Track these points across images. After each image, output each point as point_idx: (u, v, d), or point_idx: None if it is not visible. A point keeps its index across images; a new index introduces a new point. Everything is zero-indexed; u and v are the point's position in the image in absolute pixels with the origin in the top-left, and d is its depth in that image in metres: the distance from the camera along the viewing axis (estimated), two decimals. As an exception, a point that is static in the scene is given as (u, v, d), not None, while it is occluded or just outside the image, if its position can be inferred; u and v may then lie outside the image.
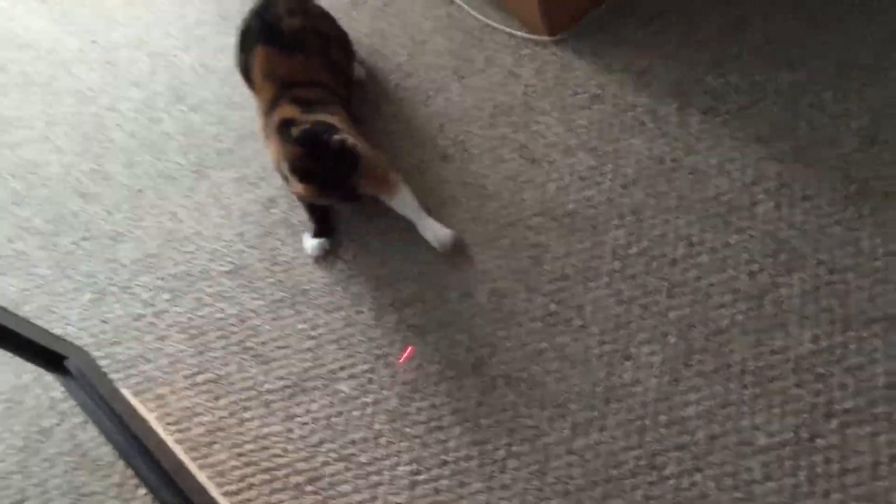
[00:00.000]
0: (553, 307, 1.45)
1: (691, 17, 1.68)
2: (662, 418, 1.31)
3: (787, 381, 1.29)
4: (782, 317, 1.34)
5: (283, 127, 1.49)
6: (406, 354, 1.47)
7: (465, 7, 1.84)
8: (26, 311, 1.68)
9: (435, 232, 1.54)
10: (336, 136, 1.43)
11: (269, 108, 1.56)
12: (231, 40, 1.69)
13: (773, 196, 1.45)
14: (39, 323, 1.56)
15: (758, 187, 1.46)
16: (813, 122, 1.50)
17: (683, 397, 1.32)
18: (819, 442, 1.24)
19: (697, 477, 1.26)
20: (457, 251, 1.54)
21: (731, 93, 1.57)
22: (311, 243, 1.61)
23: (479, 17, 1.82)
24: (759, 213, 1.44)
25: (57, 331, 1.62)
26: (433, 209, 1.60)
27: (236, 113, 1.85)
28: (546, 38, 1.74)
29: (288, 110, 1.52)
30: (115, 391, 1.45)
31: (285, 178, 1.52)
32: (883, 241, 1.35)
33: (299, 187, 1.46)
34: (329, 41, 1.68)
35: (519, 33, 1.77)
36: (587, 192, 1.55)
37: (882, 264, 1.34)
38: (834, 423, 1.25)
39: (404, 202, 1.56)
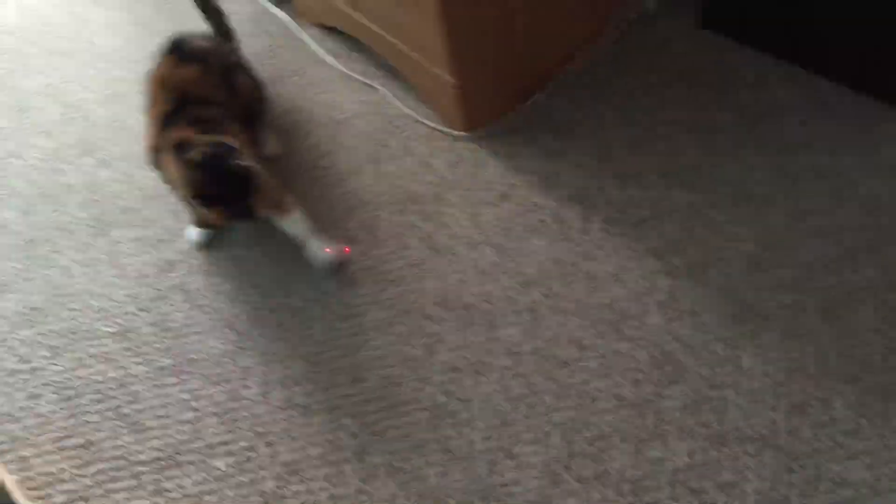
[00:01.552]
0: (441, 398, 1.45)
1: (600, 132, 1.75)
2: (539, 521, 1.31)
3: (663, 493, 1.30)
4: (662, 428, 1.37)
5: (179, 148, 1.48)
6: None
7: (388, 95, 1.88)
8: None
9: (318, 253, 1.61)
10: (235, 161, 1.44)
11: (163, 124, 1.55)
12: (148, 101, 1.68)
13: (663, 309, 1.50)
14: None
15: (649, 298, 1.51)
16: (705, 241, 1.57)
17: (562, 501, 1.32)
18: (688, 556, 1.26)
19: (568, 583, 1.26)
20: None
21: (632, 206, 1.64)
22: (195, 232, 1.67)
23: (401, 105, 1.86)
24: (648, 324, 1.48)
25: (-79, 379, 1.53)
26: (334, 289, 1.59)
27: (145, 173, 1.82)
28: (463, 133, 1.79)
29: (184, 130, 1.51)
30: (-26, 450, 1.36)
31: (174, 189, 1.54)
32: (762, 362, 1.41)
33: (201, 211, 1.48)
34: (235, 70, 1.70)
35: (437, 126, 1.82)
36: (487, 286, 1.57)
37: (759, 385, 1.39)
38: (703, 538, 1.27)
39: (296, 223, 1.61)
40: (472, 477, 1.36)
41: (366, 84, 1.92)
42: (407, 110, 1.85)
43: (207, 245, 1.67)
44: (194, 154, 1.44)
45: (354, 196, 1.73)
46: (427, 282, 1.59)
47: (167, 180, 1.56)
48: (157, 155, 1.56)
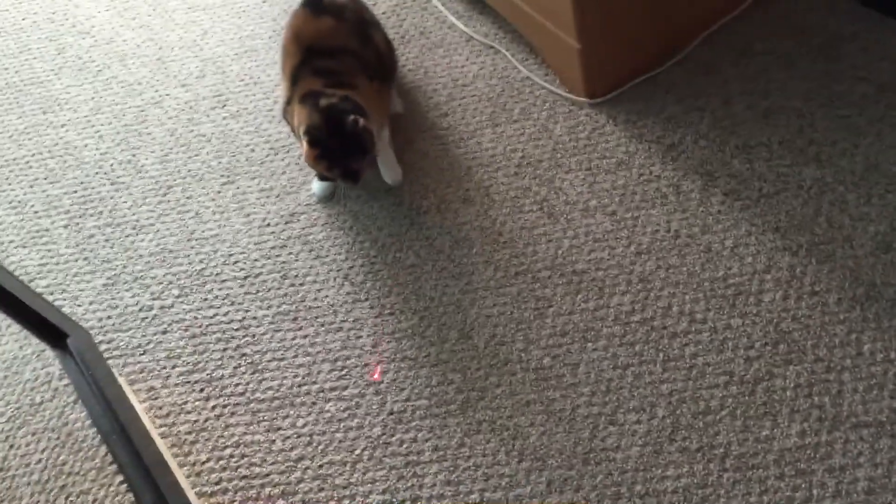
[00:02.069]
0: (548, 361, 1.46)
1: (726, 101, 1.70)
2: (638, 488, 1.31)
3: (768, 472, 1.28)
4: (773, 407, 1.34)
5: (307, 97, 1.55)
6: (377, 369, 1.51)
7: (510, 58, 1.88)
8: (40, 285, 1.72)
9: (390, 167, 1.70)
10: (352, 118, 1.49)
11: (294, 77, 1.62)
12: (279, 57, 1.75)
13: (782, 286, 1.46)
14: (50, 299, 1.60)
15: (768, 275, 1.47)
16: (832, 220, 1.51)
17: (663, 471, 1.32)
18: (791, 537, 1.23)
19: (664, 553, 1.26)
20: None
21: (755, 179, 1.59)
22: (318, 185, 1.73)
23: (522, 69, 1.86)
24: (764, 301, 1.45)
25: (66, 309, 1.66)
26: (447, 248, 1.62)
27: (273, 126, 1.90)
28: (584, 99, 1.78)
29: (312, 82, 1.58)
30: (110, 376, 1.47)
31: (298, 138, 1.59)
32: (884, 347, 1.35)
33: (306, 150, 1.52)
34: (369, 25, 1.75)
35: (558, 91, 1.81)
36: (600, 254, 1.57)
37: (880, 370, 1.34)
38: (808, 521, 1.24)
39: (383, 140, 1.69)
40: (573, 439, 1.37)
41: (489, 46, 1.92)
42: (529, 74, 1.85)
43: (329, 198, 1.73)
44: (320, 102, 1.50)
45: (472, 157, 1.75)
46: (540, 245, 1.60)
47: (295, 132, 1.62)
48: (287, 107, 1.62)
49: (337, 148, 1.52)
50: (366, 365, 1.52)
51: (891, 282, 1.42)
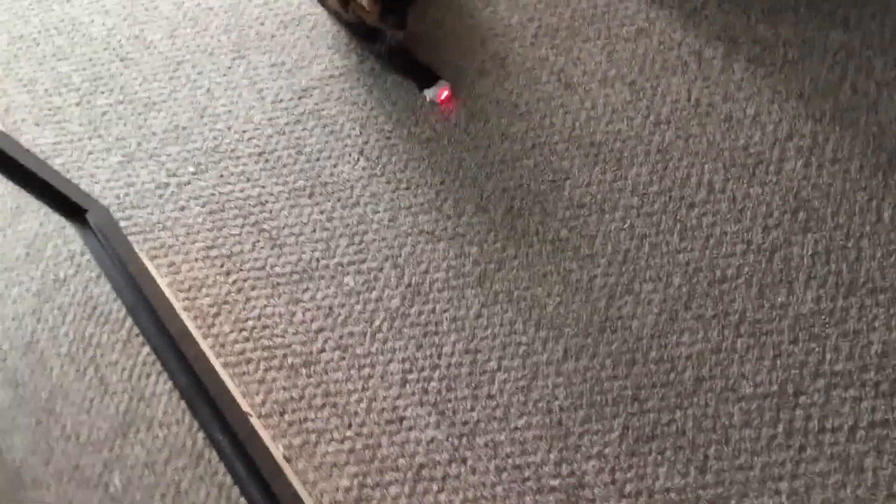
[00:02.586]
0: (565, 233, 1.46)
1: (754, -38, 1.64)
2: (653, 354, 1.33)
3: (783, 337, 1.30)
4: (789, 274, 1.34)
5: None
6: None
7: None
8: (57, 163, 1.72)
9: None
10: None
11: None
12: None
13: (804, 154, 1.43)
14: (67, 177, 1.60)
15: (790, 143, 1.45)
16: (857, 86, 1.47)
17: (677, 338, 1.34)
18: (802, 399, 1.26)
19: (678, 414, 1.29)
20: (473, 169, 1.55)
21: (780, 45, 1.54)
22: (429, 91, 1.65)
23: (539, -67, 1.78)
24: (785, 170, 1.43)
25: (83, 186, 1.66)
26: (463, 121, 1.60)
27: (283, -2, 1.85)
28: (603, -36, 1.71)
29: None
30: (131, 251, 1.49)
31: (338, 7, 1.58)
32: (904, 215, 1.35)
33: (370, 5, 1.50)
34: None
35: (576, -45, 1.74)
36: (618, 124, 1.54)
37: (899, 237, 1.33)
38: (821, 383, 1.26)
39: None
40: (590, 309, 1.39)
41: None
42: (546, -62, 1.77)
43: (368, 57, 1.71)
44: None
45: (488, 27, 1.70)
46: (557, 117, 1.57)
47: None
48: None
49: None
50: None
51: (915, 148, 1.39)
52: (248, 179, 1.64)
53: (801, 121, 1.46)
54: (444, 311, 1.45)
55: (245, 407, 1.39)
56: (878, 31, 1.51)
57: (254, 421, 1.38)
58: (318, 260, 1.53)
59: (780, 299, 1.33)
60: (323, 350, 1.45)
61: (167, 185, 1.66)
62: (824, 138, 1.44)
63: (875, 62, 1.49)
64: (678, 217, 1.43)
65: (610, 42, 1.63)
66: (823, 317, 1.30)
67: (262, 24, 1.82)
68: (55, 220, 1.62)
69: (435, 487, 1.32)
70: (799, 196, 1.40)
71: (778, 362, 1.29)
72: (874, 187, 1.38)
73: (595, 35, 1.64)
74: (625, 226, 1.45)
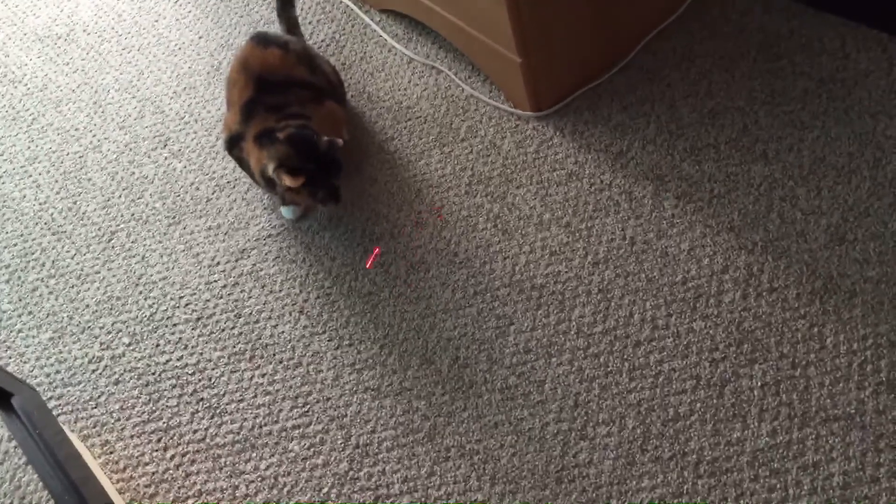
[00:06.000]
0: (513, 380, 1.43)
1: (671, 105, 1.70)
2: (614, 503, 1.28)
3: (743, 474, 1.26)
4: (741, 408, 1.32)
5: (263, 137, 1.54)
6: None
7: (453, 77, 1.87)
8: (-17, 344, 1.65)
9: None
10: (326, 138, 1.51)
11: (244, 115, 1.59)
12: (220, 92, 1.71)
13: (740, 285, 1.45)
14: (-7, 357, 1.53)
15: (726, 276, 1.47)
16: (784, 215, 1.51)
17: (637, 483, 1.29)
18: (771, 539, 1.21)
19: (645, 567, 1.23)
20: (422, 316, 1.53)
21: (706, 181, 1.58)
22: (287, 209, 1.70)
23: (466, 87, 1.85)
24: (725, 302, 1.44)
25: (12, 367, 1.59)
26: (403, 273, 1.59)
27: (217, 162, 1.85)
28: (530, 113, 1.76)
29: (264, 119, 1.57)
30: (61, 434, 1.41)
31: (267, 182, 1.57)
32: (846, 339, 1.35)
33: (290, 182, 1.49)
34: (313, 55, 1.76)
35: (503, 106, 1.79)
36: (557, 267, 1.55)
37: (844, 362, 1.33)
38: (787, 521, 1.22)
39: None
40: (545, 458, 1.34)
41: (431, 67, 1.91)
42: (473, 92, 1.83)
43: (299, 217, 1.72)
44: (279, 136, 1.48)
45: (422, 179, 1.73)
46: (496, 263, 1.58)
47: (246, 168, 1.61)
48: (237, 142, 1.60)
49: (316, 171, 1.52)
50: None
51: (847, 273, 1.41)
52: (185, 347, 1.59)
53: (734, 252, 1.49)
54: (395, 472, 1.38)
55: None
56: (796, 161, 1.57)
57: None
58: (260, 427, 1.47)
59: (735, 434, 1.30)
60: (269, 525, 1.37)
61: (100, 358, 1.60)
62: (759, 268, 1.46)
63: (798, 191, 1.53)
64: (625, 356, 1.42)
65: (542, 186, 1.66)
66: (781, 450, 1.27)
67: (198, 188, 1.82)
68: (-19, 403, 1.54)
69: None
70: (742, 327, 1.40)
71: (741, 502, 1.24)
72: (813, 314, 1.39)
73: (527, 180, 1.67)
74: (573, 369, 1.42)
